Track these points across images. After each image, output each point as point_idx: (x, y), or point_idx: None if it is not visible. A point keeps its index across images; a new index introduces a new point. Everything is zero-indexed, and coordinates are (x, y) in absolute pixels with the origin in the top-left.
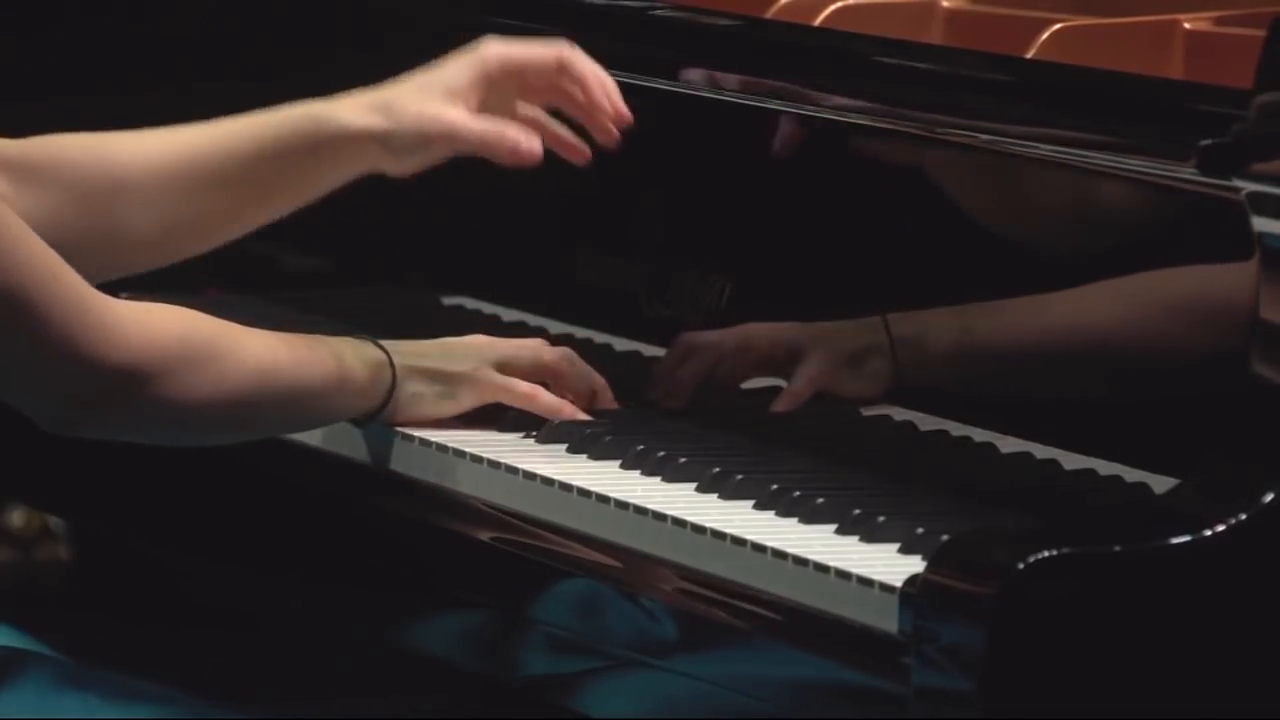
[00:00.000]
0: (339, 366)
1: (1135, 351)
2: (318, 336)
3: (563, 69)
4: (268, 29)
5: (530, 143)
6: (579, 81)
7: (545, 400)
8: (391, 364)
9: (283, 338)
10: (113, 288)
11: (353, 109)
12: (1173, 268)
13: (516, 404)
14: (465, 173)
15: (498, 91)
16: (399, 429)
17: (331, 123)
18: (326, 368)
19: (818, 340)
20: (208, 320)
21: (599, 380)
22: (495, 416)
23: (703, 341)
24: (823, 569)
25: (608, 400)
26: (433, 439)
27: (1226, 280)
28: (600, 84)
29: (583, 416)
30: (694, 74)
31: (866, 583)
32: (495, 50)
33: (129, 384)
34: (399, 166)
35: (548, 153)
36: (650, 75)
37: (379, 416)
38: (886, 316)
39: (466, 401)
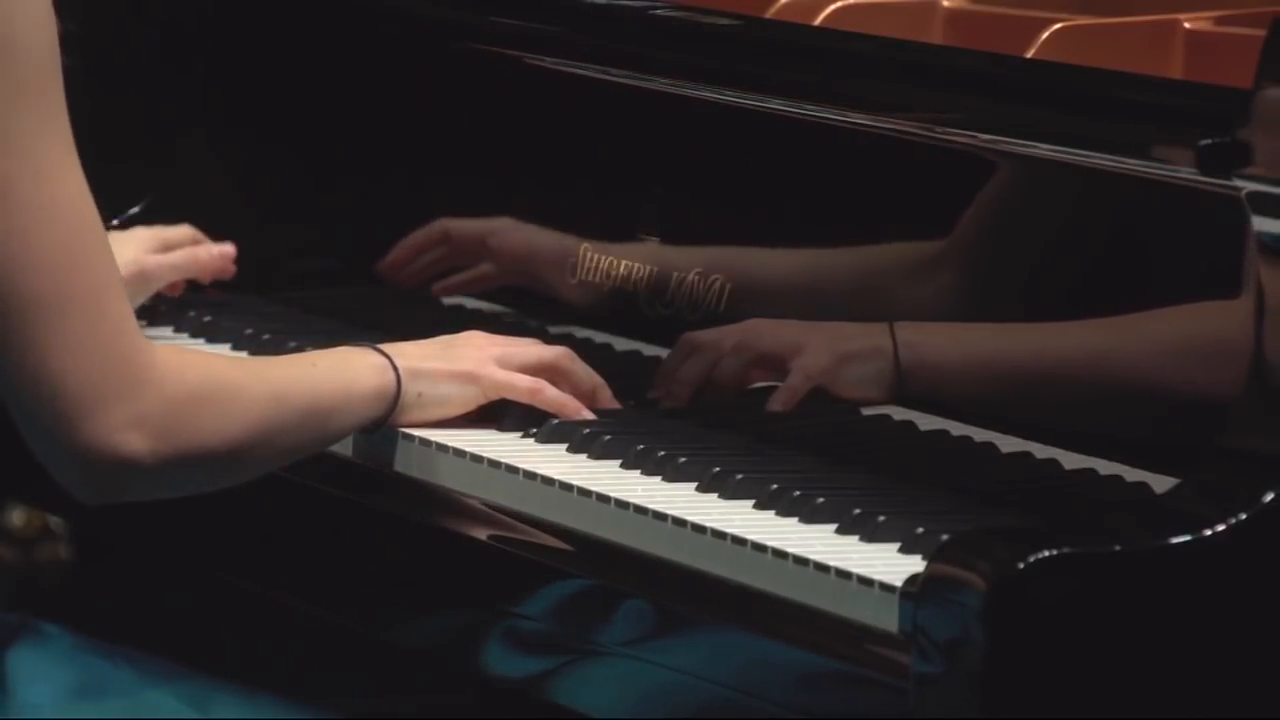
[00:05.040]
0: (346, 378)
1: (1136, 350)
2: (320, 351)
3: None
4: (268, 26)
5: (216, 249)
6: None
7: (549, 395)
8: (395, 368)
9: (289, 359)
10: None
11: None
12: (1173, 267)
13: (520, 399)
14: (466, 172)
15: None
16: (400, 430)
17: None
18: (336, 381)
19: (820, 338)
20: (221, 358)
21: (598, 378)
22: (495, 416)
23: (704, 340)
24: (823, 569)
25: (607, 398)
26: (433, 439)
27: (1226, 280)
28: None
29: (586, 414)
30: (694, 73)
31: (867, 582)
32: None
33: (161, 424)
34: None
35: (548, 154)
36: (650, 75)
37: (385, 422)
38: (893, 323)
39: (471, 400)
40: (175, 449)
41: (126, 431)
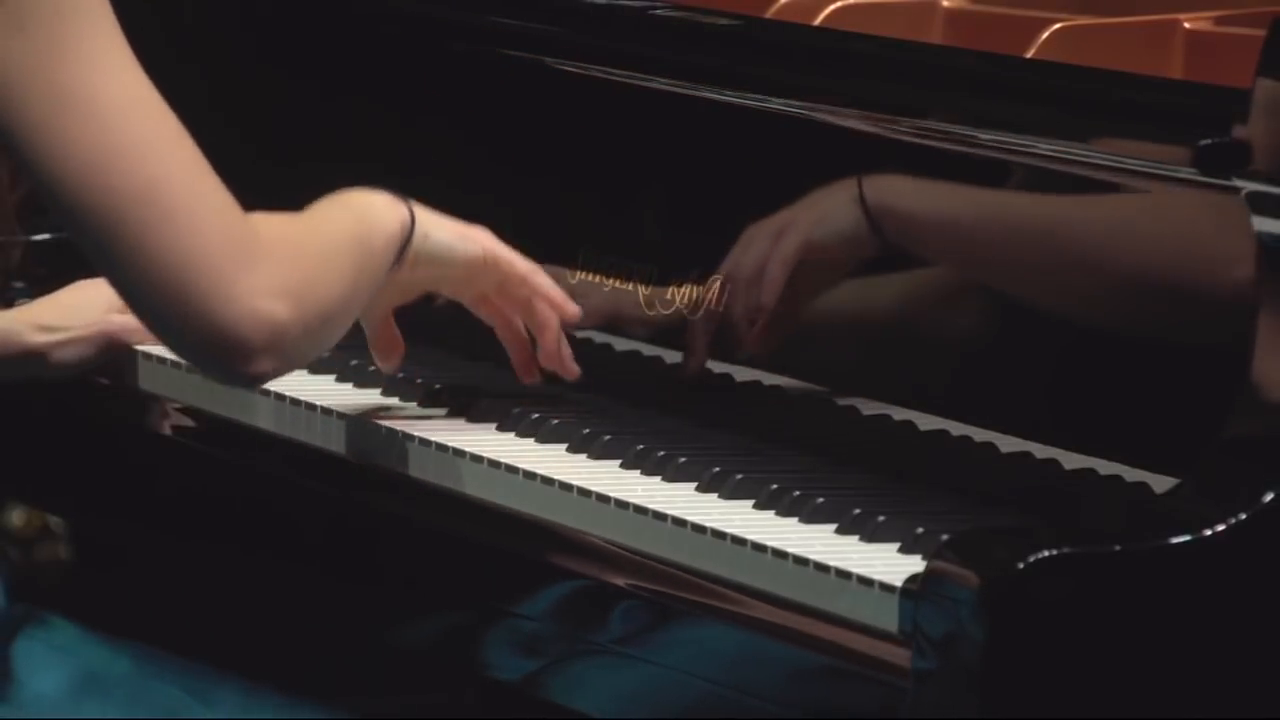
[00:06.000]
0: (380, 216)
1: (1134, 349)
2: (337, 198)
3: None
4: (268, 25)
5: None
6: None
7: (542, 280)
8: (406, 204)
9: (327, 210)
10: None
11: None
12: (1172, 267)
13: (514, 274)
14: (465, 172)
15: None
16: (399, 429)
17: (13, 345)
18: (373, 220)
19: (788, 219)
20: (292, 217)
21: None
22: (495, 415)
23: (704, 318)
24: (823, 568)
25: (574, 313)
26: (433, 438)
27: (1226, 280)
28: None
29: (570, 308)
30: (694, 74)
31: (866, 582)
32: None
33: (293, 285)
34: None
35: (548, 154)
36: (650, 75)
37: (398, 265)
38: (860, 177)
39: (471, 261)
40: (309, 308)
41: (267, 298)
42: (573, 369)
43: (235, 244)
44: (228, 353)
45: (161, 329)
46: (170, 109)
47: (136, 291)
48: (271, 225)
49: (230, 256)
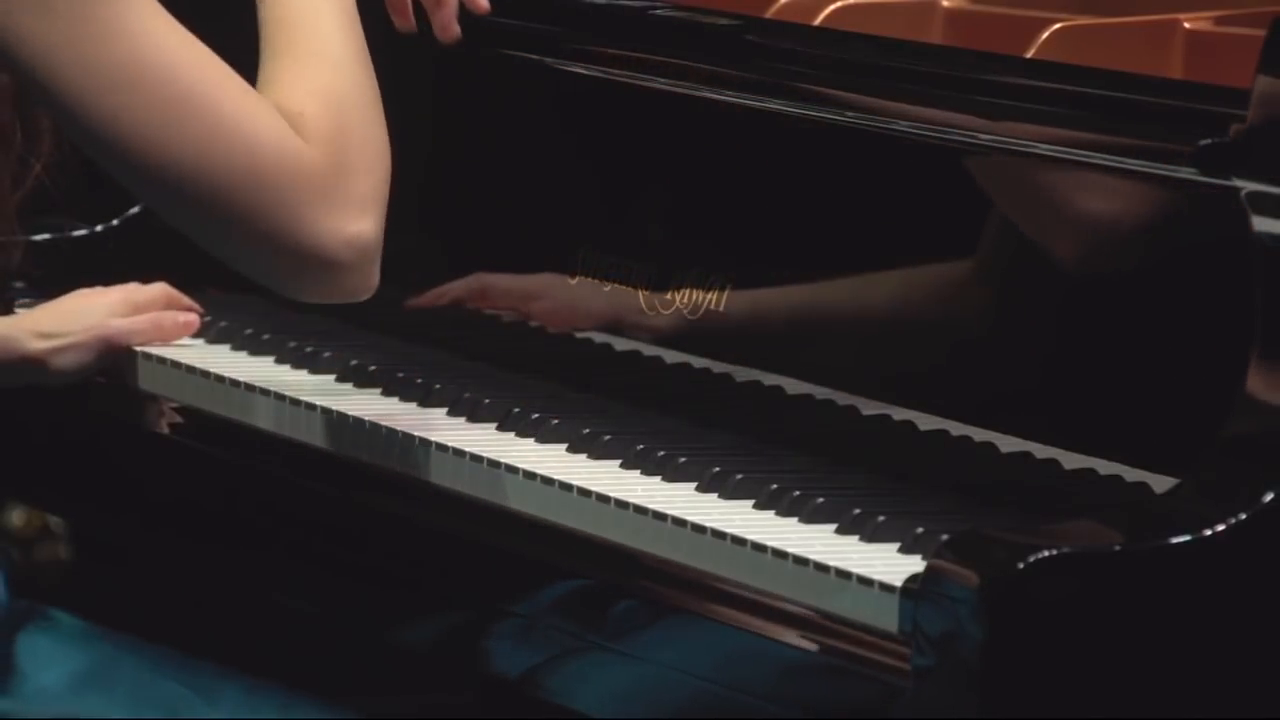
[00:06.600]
0: None
1: (1134, 349)
2: None
3: None
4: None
5: (182, 318)
6: None
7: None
8: None
9: (295, 30)
10: (95, 279)
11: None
12: (1172, 267)
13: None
14: (465, 173)
15: None
16: (400, 429)
17: (13, 352)
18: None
19: None
20: (303, 83)
21: None
22: (495, 415)
23: None
24: (823, 568)
25: (483, 5)
26: (432, 438)
27: (1226, 280)
28: None
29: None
30: (694, 74)
31: (866, 582)
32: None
33: (362, 193)
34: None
35: (548, 154)
36: (650, 75)
37: None
38: None
39: None
40: (384, 197)
41: (354, 222)
42: (456, 30)
43: (307, 175)
44: (342, 286)
45: (270, 282)
46: (210, 49)
47: (232, 251)
48: (316, 126)
49: (308, 191)
